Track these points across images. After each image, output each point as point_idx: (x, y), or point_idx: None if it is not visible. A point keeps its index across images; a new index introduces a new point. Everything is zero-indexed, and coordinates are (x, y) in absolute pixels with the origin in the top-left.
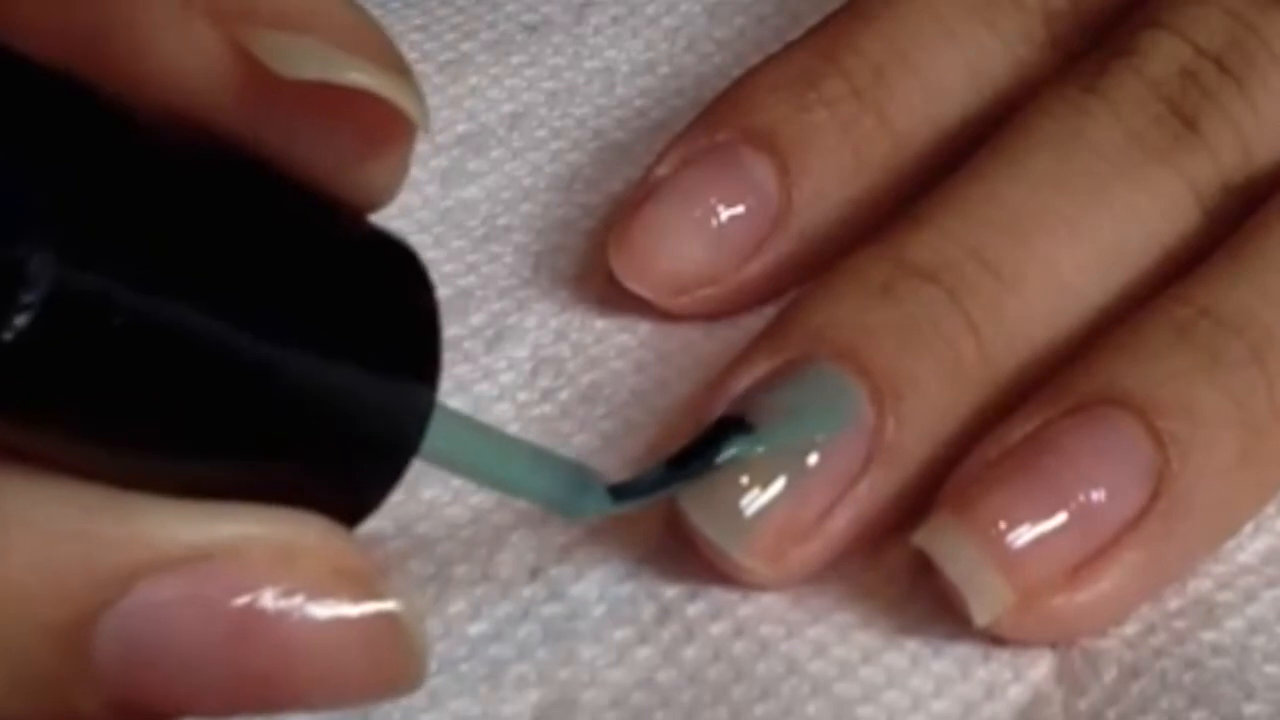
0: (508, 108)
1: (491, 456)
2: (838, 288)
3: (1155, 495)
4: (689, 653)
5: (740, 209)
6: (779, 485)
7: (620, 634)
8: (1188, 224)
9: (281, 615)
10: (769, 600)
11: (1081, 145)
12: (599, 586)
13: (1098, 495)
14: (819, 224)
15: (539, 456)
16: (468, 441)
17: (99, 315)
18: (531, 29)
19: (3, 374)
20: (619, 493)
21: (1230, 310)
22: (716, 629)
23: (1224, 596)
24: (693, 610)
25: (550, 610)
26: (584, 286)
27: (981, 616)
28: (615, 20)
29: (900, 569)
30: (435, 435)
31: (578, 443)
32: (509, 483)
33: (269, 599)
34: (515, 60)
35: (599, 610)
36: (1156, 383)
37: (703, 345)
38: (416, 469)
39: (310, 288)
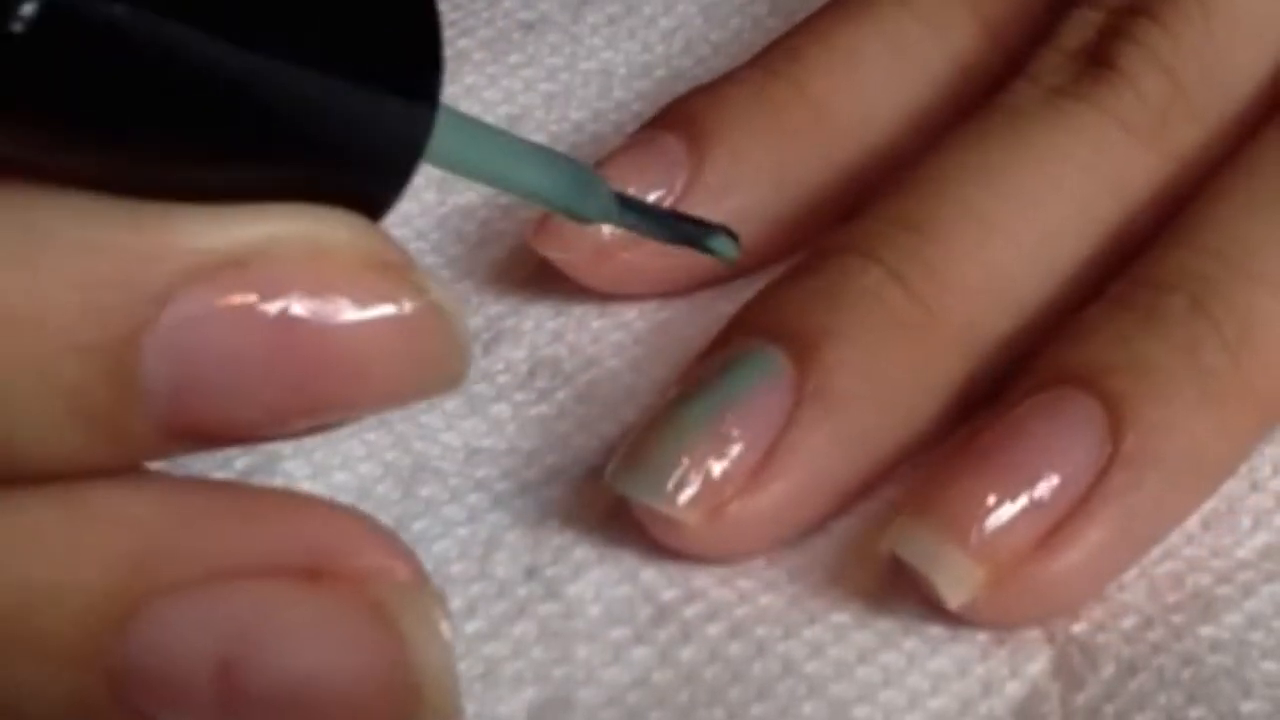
0: (504, 110)
1: (498, 154)
2: (766, 284)
3: (1115, 450)
4: (685, 653)
5: (653, 181)
6: (702, 440)
7: (616, 633)
8: (1121, 153)
9: (321, 314)
10: (766, 601)
11: (997, 109)
12: (595, 587)
13: (1056, 461)
14: (738, 183)
15: (547, 155)
16: (474, 139)
17: (102, 7)
18: (529, 27)
19: (12, 68)
20: (625, 201)
21: (1163, 272)
22: (713, 630)
23: (1222, 592)
24: (689, 612)
25: (546, 609)
26: (580, 288)
27: (954, 597)
28: (612, 20)
29: (895, 569)
30: (442, 133)
31: (575, 442)
32: (516, 181)
33: (306, 299)
34: (512, 60)
35: (595, 610)
36: (1100, 350)
37: (698, 343)
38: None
39: None
